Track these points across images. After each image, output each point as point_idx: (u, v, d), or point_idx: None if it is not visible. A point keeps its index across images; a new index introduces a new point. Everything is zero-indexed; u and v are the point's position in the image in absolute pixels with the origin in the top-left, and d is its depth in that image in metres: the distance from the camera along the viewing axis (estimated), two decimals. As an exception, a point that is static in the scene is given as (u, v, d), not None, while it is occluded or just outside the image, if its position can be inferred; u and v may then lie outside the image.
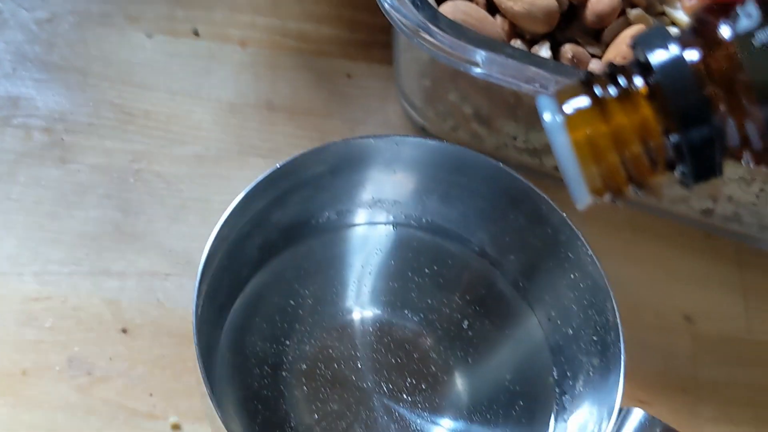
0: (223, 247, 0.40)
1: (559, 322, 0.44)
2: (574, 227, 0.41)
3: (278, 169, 0.40)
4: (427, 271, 0.46)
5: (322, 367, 0.44)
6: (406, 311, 0.45)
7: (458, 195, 0.45)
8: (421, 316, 0.45)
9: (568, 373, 0.43)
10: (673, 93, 0.22)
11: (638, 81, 0.22)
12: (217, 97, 0.54)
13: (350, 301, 0.46)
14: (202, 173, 0.51)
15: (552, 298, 0.44)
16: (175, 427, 0.44)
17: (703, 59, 0.21)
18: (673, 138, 0.22)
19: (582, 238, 0.41)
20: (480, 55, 0.43)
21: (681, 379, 0.50)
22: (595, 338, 0.41)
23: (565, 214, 0.41)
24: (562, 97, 0.23)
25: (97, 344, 0.46)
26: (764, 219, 0.50)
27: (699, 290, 0.52)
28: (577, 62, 0.45)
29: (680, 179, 0.23)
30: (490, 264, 0.46)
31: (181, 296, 0.47)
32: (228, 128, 0.53)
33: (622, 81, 0.22)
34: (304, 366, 0.43)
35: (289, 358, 0.43)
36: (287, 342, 0.44)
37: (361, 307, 0.46)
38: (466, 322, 0.45)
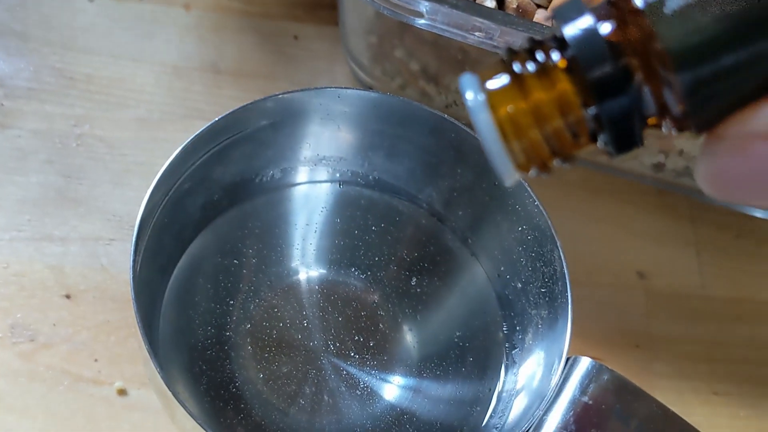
0: (163, 204, 0.39)
1: (508, 276, 0.43)
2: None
3: (216, 122, 0.39)
4: (374, 228, 0.45)
5: (268, 327, 0.43)
6: (353, 269, 0.45)
7: (405, 150, 0.44)
8: (369, 273, 0.45)
9: (518, 327, 0.42)
10: (588, 66, 0.21)
11: (555, 55, 0.22)
12: (161, 61, 0.53)
13: (296, 260, 0.45)
14: (146, 137, 0.50)
15: (501, 253, 0.43)
16: (121, 392, 0.44)
17: (618, 30, 0.21)
18: (592, 111, 0.22)
19: (528, 189, 0.40)
20: (424, 5, 0.42)
21: (635, 336, 0.49)
22: (543, 290, 0.41)
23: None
24: (483, 75, 0.23)
25: (40, 310, 0.45)
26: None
27: (652, 246, 0.52)
28: (522, 12, 0.45)
29: (604, 150, 0.23)
30: (438, 220, 0.45)
31: (125, 261, 0.46)
32: (172, 92, 0.52)
33: (539, 56, 0.22)
34: (250, 326, 0.43)
35: (234, 318, 0.43)
36: (232, 302, 0.43)
37: (306, 266, 0.45)
38: (414, 279, 0.45)
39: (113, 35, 0.53)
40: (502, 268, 0.43)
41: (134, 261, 0.36)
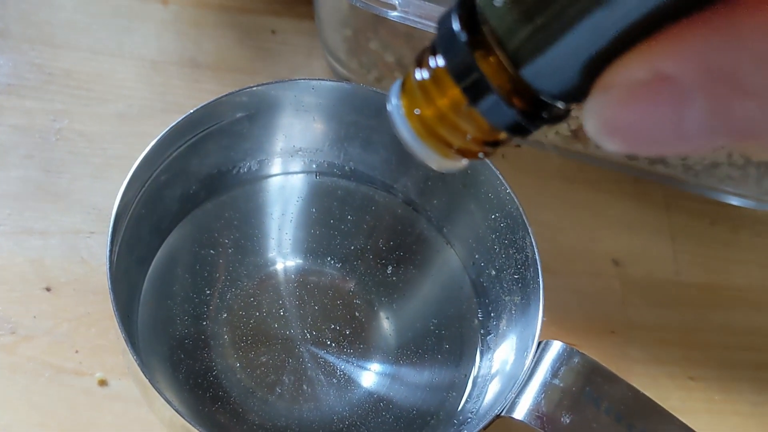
0: (139, 196, 0.40)
1: (482, 263, 0.44)
2: (492, 166, 0.41)
3: (191, 114, 0.40)
4: (350, 218, 0.46)
5: (246, 317, 0.43)
6: (329, 258, 0.45)
7: (380, 141, 0.44)
8: (345, 262, 0.45)
9: (492, 314, 0.43)
10: (453, 71, 0.22)
11: (440, 61, 0.23)
12: (139, 56, 0.53)
13: (273, 250, 0.46)
14: (126, 131, 0.51)
15: (475, 241, 0.44)
16: (102, 382, 0.44)
17: (472, 34, 0.22)
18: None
19: (500, 177, 0.41)
20: (396, -2, 0.43)
21: (610, 322, 0.50)
22: (516, 276, 0.41)
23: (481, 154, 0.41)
24: (404, 80, 0.24)
25: (21, 303, 0.45)
26: (688, 160, 0.50)
27: (628, 234, 0.53)
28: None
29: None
30: (414, 209, 0.46)
31: (105, 254, 0.47)
32: (151, 86, 0.52)
33: (432, 62, 0.23)
34: (228, 316, 0.43)
35: (212, 308, 0.43)
36: (210, 292, 0.44)
37: (283, 256, 0.46)
38: (390, 267, 0.45)
39: (92, 31, 0.53)
40: (476, 256, 0.44)
41: (111, 252, 0.37)
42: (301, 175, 0.46)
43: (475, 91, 0.22)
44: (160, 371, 0.41)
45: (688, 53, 0.18)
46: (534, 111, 0.22)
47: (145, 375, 0.35)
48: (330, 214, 0.46)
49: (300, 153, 0.45)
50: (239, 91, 0.41)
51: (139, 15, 0.54)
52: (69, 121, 0.50)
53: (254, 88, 0.41)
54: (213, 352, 0.42)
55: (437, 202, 0.45)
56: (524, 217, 0.40)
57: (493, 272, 0.43)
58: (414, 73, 0.23)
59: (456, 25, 0.22)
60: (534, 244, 0.40)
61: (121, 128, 0.51)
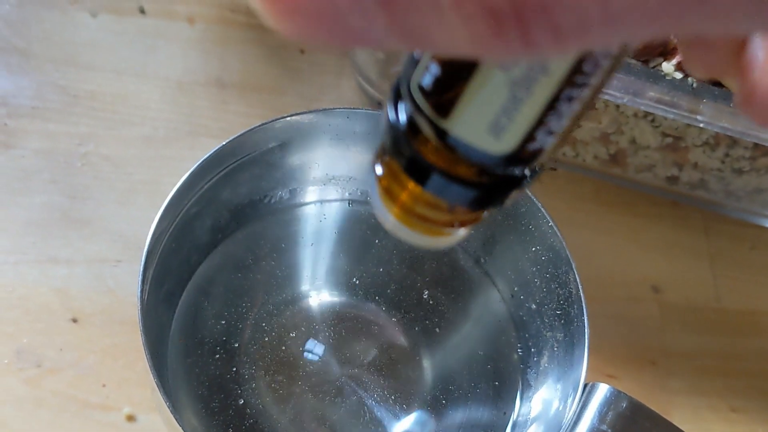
0: (171, 229, 0.39)
1: (522, 297, 0.42)
2: (533, 198, 0.40)
3: (224, 146, 0.38)
4: (384, 248, 0.44)
5: (277, 350, 0.42)
6: (363, 290, 0.44)
7: (414, 168, 0.43)
8: (379, 293, 0.44)
9: (533, 349, 0.41)
10: (398, 159, 0.20)
11: (388, 152, 0.22)
12: (165, 76, 0.52)
13: (305, 280, 0.44)
14: (152, 155, 0.49)
15: (514, 273, 0.43)
16: (130, 418, 0.43)
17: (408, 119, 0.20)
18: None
19: (543, 210, 0.40)
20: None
21: (650, 352, 0.49)
22: (558, 312, 0.40)
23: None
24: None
25: (46, 335, 0.44)
26: (730, 185, 0.48)
27: (666, 259, 0.51)
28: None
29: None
30: (451, 240, 0.44)
31: (133, 283, 0.45)
32: (177, 107, 0.51)
33: (383, 156, 0.22)
34: (258, 349, 0.42)
35: (244, 341, 0.42)
36: (240, 326, 0.42)
37: (316, 287, 0.44)
38: (427, 299, 0.44)
39: (116, 51, 0.52)
40: (516, 289, 0.43)
41: (141, 291, 0.36)
42: (333, 204, 0.44)
43: (421, 176, 0.20)
44: (190, 407, 0.40)
45: None
46: (492, 182, 0.20)
47: (177, 421, 0.34)
48: (364, 244, 0.44)
49: (333, 181, 0.44)
50: (273, 120, 0.40)
51: (165, 34, 0.53)
52: (94, 145, 0.49)
53: (288, 118, 0.40)
54: (243, 387, 0.41)
55: (474, 233, 0.43)
56: (567, 252, 0.39)
57: (534, 306, 0.41)
58: (375, 169, 0.22)
59: (391, 114, 0.20)
60: (578, 280, 0.38)
61: (146, 152, 0.49)
